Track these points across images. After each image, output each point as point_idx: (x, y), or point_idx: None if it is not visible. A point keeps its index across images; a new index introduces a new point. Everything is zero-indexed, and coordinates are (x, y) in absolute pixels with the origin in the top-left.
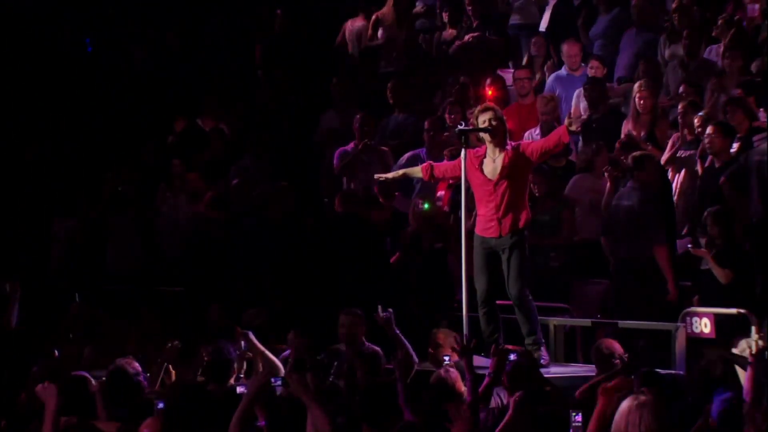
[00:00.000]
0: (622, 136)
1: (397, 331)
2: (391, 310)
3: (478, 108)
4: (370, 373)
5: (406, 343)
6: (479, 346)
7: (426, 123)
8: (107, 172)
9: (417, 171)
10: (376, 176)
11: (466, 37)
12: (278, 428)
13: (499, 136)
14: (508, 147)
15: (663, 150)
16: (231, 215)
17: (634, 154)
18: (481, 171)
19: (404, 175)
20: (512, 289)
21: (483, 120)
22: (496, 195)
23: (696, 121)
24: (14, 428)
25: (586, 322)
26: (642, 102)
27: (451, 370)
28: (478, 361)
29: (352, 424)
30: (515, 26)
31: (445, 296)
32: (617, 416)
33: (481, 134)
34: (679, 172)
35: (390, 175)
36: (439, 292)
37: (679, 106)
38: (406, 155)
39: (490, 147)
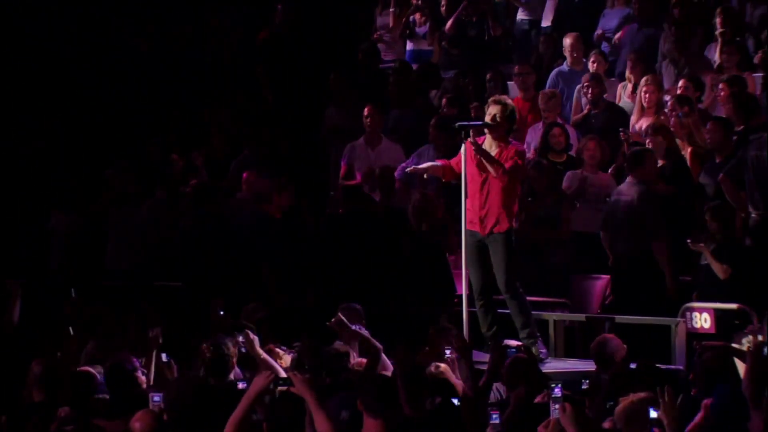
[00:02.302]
0: (633, 127)
1: (355, 327)
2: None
3: (492, 98)
4: (334, 372)
5: (369, 335)
6: (478, 342)
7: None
8: (107, 168)
9: (438, 169)
10: (408, 170)
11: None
12: (276, 424)
13: (500, 132)
14: (508, 145)
15: None
16: (232, 209)
17: (633, 149)
18: (475, 164)
19: (431, 168)
20: (500, 283)
21: (490, 113)
22: (483, 192)
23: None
24: (15, 424)
25: (586, 317)
26: (647, 96)
27: (442, 365)
28: (477, 356)
29: (355, 419)
30: (522, 22)
31: (445, 292)
32: (619, 413)
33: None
34: None
35: (421, 167)
36: (438, 288)
37: (669, 102)
38: (417, 152)
39: (488, 140)
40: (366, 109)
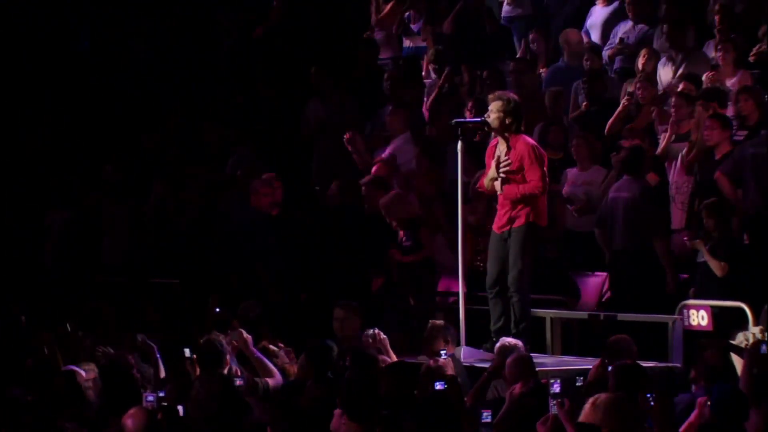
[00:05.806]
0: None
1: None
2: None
3: (491, 95)
4: (362, 368)
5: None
6: (476, 338)
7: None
8: (103, 163)
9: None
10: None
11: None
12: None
13: (504, 129)
14: (516, 142)
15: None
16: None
17: (629, 147)
18: (493, 162)
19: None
20: (509, 278)
21: (490, 108)
22: (501, 189)
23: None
24: (10, 421)
25: (583, 314)
26: (640, 93)
27: (441, 360)
28: (473, 354)
29: None
30: (508, 18)
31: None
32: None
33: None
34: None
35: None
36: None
37: (672, 99)
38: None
39: (500, 138)
40: (391, 109)
